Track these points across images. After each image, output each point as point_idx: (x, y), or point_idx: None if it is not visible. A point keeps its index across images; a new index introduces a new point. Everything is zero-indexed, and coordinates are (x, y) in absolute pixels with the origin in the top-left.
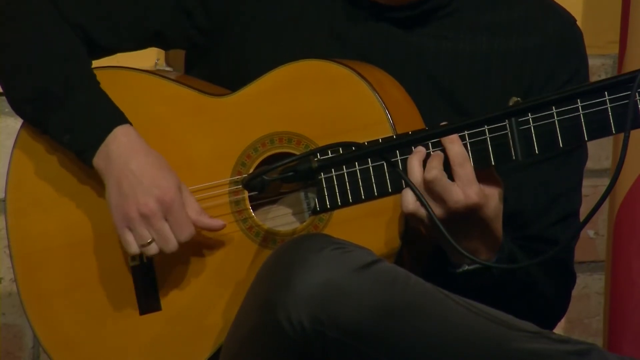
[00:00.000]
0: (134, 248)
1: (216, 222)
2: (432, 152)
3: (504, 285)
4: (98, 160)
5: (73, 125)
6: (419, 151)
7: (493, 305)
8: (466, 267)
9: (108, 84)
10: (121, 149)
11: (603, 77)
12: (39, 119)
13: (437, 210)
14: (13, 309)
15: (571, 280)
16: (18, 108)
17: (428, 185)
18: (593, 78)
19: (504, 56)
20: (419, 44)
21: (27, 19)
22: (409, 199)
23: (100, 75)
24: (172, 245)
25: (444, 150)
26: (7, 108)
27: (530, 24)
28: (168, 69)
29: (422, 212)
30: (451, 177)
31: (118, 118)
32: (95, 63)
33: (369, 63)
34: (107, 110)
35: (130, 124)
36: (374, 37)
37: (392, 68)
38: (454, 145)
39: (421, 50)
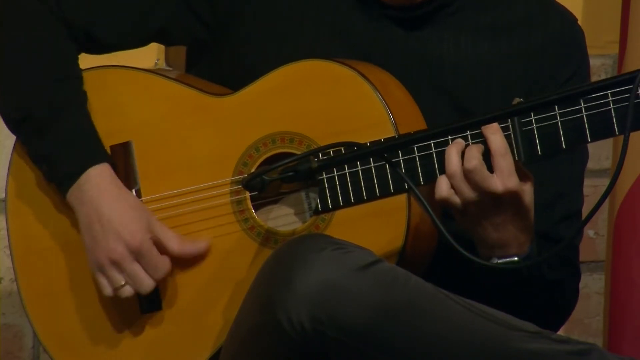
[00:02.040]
0: (107, 291)
1: (200, 245)
2: (471, 144)
3: (527, 279)
4: (71, 198)
5: (50, 157)
6: (458, 142)
7: (508, 301)
8: (496, 261)
9: (109, 82)
10: (92, 191)
11: (603, 77)
12: (21, 141)
13: (474, 201)
14: (13, 309)
15: (578, 277)
16: (5, 123)
17: (467, 175)
18: (593, 78)
19: (506, 56)
20: (421, 45)
21: (20, 26)
22: (442, 185)
23: (100, 74)
24: (146, 285)
25: (483, 142)
26: None
27: (532, 23)
28: (168, 68)
29: (455, 199)
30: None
31: (94, 156)
32: (95, 61)
33: (371, 62)
34: (85, 146)
35: (108, 160)
36: (376, 37)
37: (394, 68)
38: (497, 135)
39: (423, 51)
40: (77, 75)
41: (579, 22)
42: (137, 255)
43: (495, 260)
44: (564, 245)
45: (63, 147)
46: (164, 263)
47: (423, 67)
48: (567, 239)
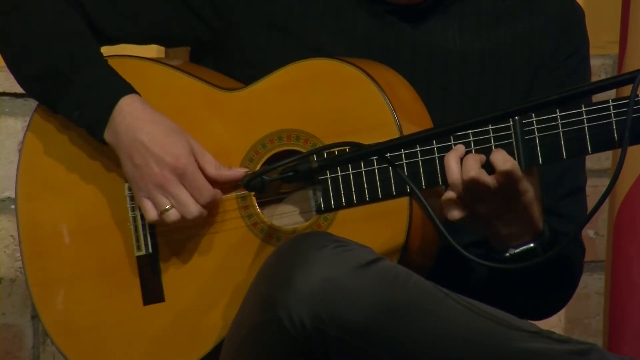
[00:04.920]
0: (152, 214)
1: (237, 172)
2: (473, 151)
3: (543, 267)
4: (108, 135)
5: (81, 101)
6: (457, 149)
7: (520, 286)
8: (512, 251)
9: (123, 72)
10: (127, 120)
11: (603, 77)
12: (49, 98)
13: (480, 206)
14: (13, 309)
15: (583, 251)
16: (28, 89)
17: (468, 184)
18: (593, 78)
19: (510, 41)
20: (427, 37)
21: (32, 2)
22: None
23: (115, 63)
24: (192, 209)
25: (483, 150)
26: (7, 108)
27: (532, 5)
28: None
29: (463, 205)
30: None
31: (122, 89)
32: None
33: (379, 58)
34: (112, 83)
35: (137, 92)
36: (382, 32)
37: (402, 62)
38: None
39: (430, 43)
40: (91, 36)
41: None
42: (182, 178)
43: (512, 251)
44: (569, 240)
45: (92, 87)
46: (209, 188)
47: (431, 58)
48: (571, 234)
